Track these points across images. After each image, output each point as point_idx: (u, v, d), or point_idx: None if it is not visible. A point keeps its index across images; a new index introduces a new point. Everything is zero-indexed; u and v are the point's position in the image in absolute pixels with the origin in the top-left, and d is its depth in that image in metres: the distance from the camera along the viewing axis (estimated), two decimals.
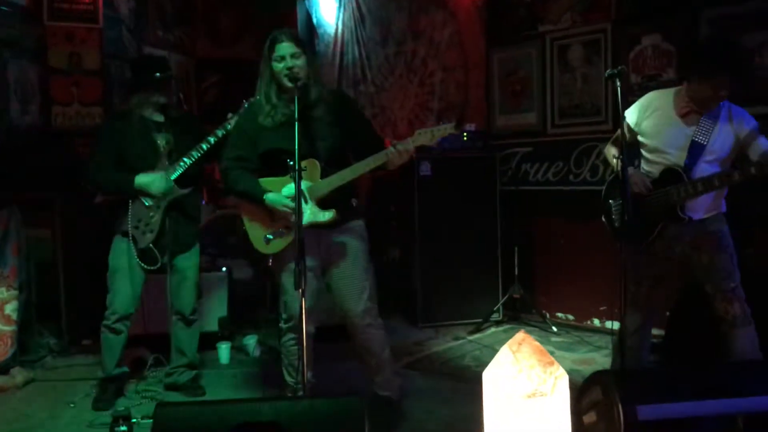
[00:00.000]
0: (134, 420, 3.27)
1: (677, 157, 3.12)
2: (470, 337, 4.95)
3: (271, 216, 3.05)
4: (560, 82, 5.20)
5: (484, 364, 4.20)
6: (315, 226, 2.98)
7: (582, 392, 2.54)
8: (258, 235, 3.14)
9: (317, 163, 2.98)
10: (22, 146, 5.06)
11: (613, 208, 3.37)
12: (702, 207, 3.12)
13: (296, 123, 2.71)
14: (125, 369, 3.88)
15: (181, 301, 3.82)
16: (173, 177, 3.58)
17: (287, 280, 3.00)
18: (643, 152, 3.30)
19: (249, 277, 5.76)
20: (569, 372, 2.09)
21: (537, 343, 2.08)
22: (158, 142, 3.65)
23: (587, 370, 3.96)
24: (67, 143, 5.33)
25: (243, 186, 3.11)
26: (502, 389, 2.05)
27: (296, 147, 2.67)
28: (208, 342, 4.44)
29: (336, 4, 6.76)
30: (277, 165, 3.01)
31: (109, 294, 3.68)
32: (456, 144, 5.25)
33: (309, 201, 2.98)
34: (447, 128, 2.86)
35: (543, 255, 5.36)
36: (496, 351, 4.41)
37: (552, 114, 5.27)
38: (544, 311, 5.20)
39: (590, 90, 5.02)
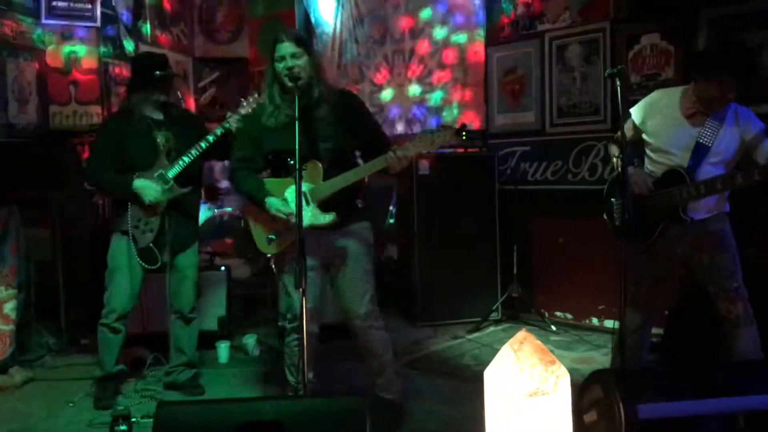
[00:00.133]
0: (134, 419, 3.27)
1: (681, 158, 3.10)
2: (469, 336, 4.95)
3: (273, 217, 3.05)
4: (559, 81, 5.20)
5: (484, 363, 4.21)
6: (316, 228, 2.98)
7: (582, 391, 2.54)
8: (261, 235, 3.16)
9: (319, 164, 2.97)
10: (21, 145, 5.06)
11: (615, 207, 3.36)
12: (704, 208, 3.11)
13: (296, 123, 2.72)
14: (123, 367, 3.87)
15: (180, 300, 3.82)
16: (171, 174, 3.57)
17: (289, 280, 3.01)
18: (647, 151, 3.28)
19: (248, 276, 5.77)
20: (568, 371, 2.09)
21: (539, 342, 2.09)
22: (158, 140, 3.64)
23: (586, 369, 3.96)
24: (65, 142, 5.33)
25: (246, 187, 3.13)
26: (504, 388, 2.05)
27: (296, 147, 2.67)
28: (207, 341, 4.44)
29: (334, 4, 6.77)
30: (281, 166, 3.02)
31: (107, 292, 3.67)
32: (454, 143, 5.26)
33: (310, 203, 2.98)
34: (447, 134, 2.83)
35: (541, 254, 5.36)
36: (495, 350, 4.43)
37: (551, 113, 5.28)
38: (542, 310, 5.20)
39: (589, 89, 5.02)
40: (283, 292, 3.27)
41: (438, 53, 6.00)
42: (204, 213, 5.85)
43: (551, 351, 4.25)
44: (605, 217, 3.43)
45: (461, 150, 5.35)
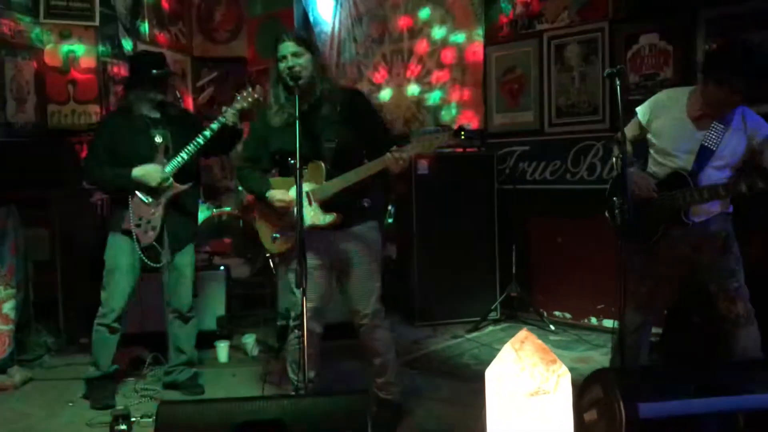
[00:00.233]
0: (133, 419, 3.26)
1: (685, 161, 3.08)
2: (468, 336, 4.96)
3: (278, 215, 3.05)
4: (557, 81, 5.21)
5: (483, 363, 4.24)
6: (318, 228, 2.99)
7: (583, 390, 2.54)
8: (266, 233, 3.18)
9: (322, 164, 2.98)
10: (19, 145, 5.05)
11: (617, 206, 3.34)
12: (706, 212, 3.09)
13: (297, 122, 2.72)
14: (117, 367, 3.87)
15: (178, 299, 3.81)
16: (170, 170, 3.56)
17: (293, 279, 3.01)
18: (651, 152, 3.26)
19: (247, 276, 5.77)
20: None
21: (540, 341, 2.09)
22: (155, 139, 3.64)
23: (585, 368, 3.96)
24: (63, 141, 5.32)
25: (250, 183, 3.19)
26: (505, 387, 2.05)
27: (297, 146, 2.67)
28: (206, 341, 4.44)
29: (333, 3, 6.77)
30: (286, 165, 3.03)
31: (105, 292, 3.66)
32: (453, 143, 5.26)
33: (313, 203, 2.99)
34: (444, 137, 2.81)
35: (540, 253, 5.37)
36: (494, 349, 4.48)
37: (549, 113, 5.28)
38: (541, 309, 5.20)
39: (587, 89, 5.03)
40: (287, 291, 3.28)
41: (437, 53, 6.01)
42: (203, 212, 5.85)
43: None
44: (607, 214, 3.41)
45: (460, 150, 5.36)
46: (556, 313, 5.28)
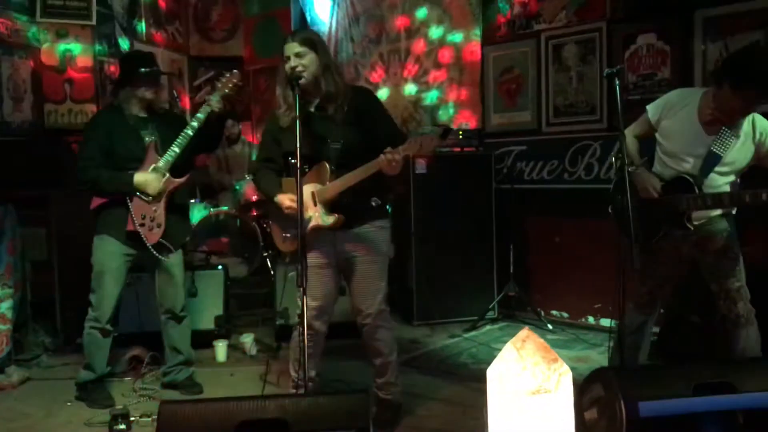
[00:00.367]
0: (132, 418, 3.26)
1: (692, 165, 3.06)
2: (466, 335, 4.97)
3: (287, 215, 3.06)
4: (555, 81, 5.22)
5: (481, 362, 4.25)
6: (322, 228, 3.01)
7: (583, 389, 2.55)
8: (278, 233, 3.22)
9: (327, 165, 2.98)
10: (16, 144, 5.04)
11: (621, 205, 3.32)
12: (708, 217, 3.10)
13: (297, 122, 2.73)
14: (111, 368, 3.87)
15: (171, 299, 3.81)
16: (164, 164, 3.53)
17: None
18: (659, 152, 3.22)
19: (244, 275, 5.77)
20: None
21: (541, 340, 2.10)
22: (145, 138, 3.62)
23: (583, 367, 3.98)
24: (60, 140, 5.31)
25: (263, 185, 3.23)
26: (507, 386, 2.06)
27: (297, 146, 2.68)
28: (204, 340, 4.44)
29: (330, 3, 6.76)
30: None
31: (95, 295, 3.63)
32: (451, 142, 5.27)
33: (317, 203, 2.99)
34: (432, 140, 2.75)
35: (538, 253, 5.38)
36: (492, 348, 4.50)
37: (547, 112, 5.30)
38: (539, 309, 5.21)
39: (585, 89, 5.04)
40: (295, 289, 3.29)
41: (434, 52, 6.01)
42: (200, 212, 5.84)
43: None
44: (610, 210, 3.40)
45: (458, 149, 5.36)
46: (554, 312, 5.29)
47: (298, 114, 2.74)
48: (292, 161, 2.68)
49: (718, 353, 3.25)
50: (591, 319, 5.06)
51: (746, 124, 3.01)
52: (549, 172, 5.28)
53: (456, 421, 3.34)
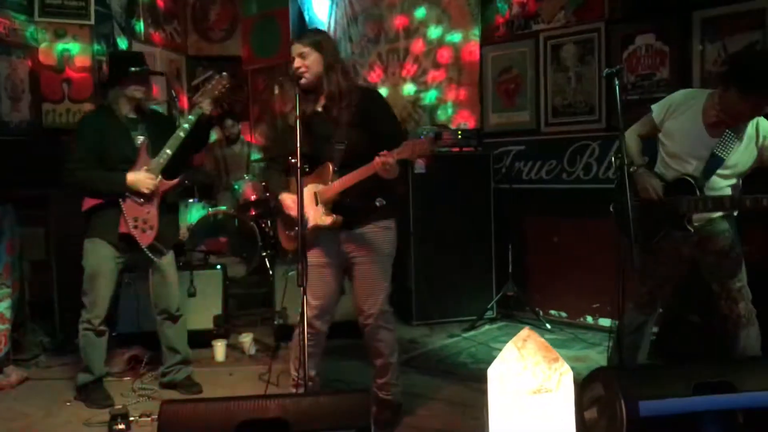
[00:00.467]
0: (132, 418, 3.26)
1: (695, 167, 3.05)
2: (465, 335, 4.97)
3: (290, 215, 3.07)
4: (554, 81, 5.23)
5: (480, 361, 4.25)
6: (322, 228, 3.01)
7: (583, 388, 2.56)
8: (284, 232, 3.23)
9: (330, 165, 2.98)
10: (14, 143, 5.03)
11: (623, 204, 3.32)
12: (709, 216, 3.10)
13: (297, 121, 2.72)
14: (108, 369, 3.87)
15: (166, 300, 3.80)
16: (156, 166, 3.52)
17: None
18: (662, 153, 3.22)
19: (242, 275, 5.77)
20: None
21: (542, 340, 2.10)
22: (136, 139, 3.61)
23: (582, 367, 3.98)
24: (58, 140, 5.30)
25: (270, 184, 3.33)
26: (508, 385, 2.06)
27: (297, 146, 2.68)
28: (203, 340, 4.44)
29: (328, 2, 6.76)
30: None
31: (88, 297, 3.62)
32: (449, 142, 5.28)
33: (318, 203, 3.00)
34: (424, 144, 2.73)
35: (536, 253, 5.39)
36: (491, 348, 4.50)
37: (545, 112, 5.30)
38: (537, 308, 5.22)
39: (584, 89, 5.05)
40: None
41: (433, 52, 6.01)
42: (198, 212, 5.84)
43: None
44: (611, 209, 3.39)
45: (456, 149, 5.36)
46: (552, 311, 5.30)
47: (298, 113, 2.74)
48: (293, 161, 2.68)
49: (718, 353, 3.25)
50: (589, 319, 5.07)
51: (750, 128, 3.00)
52: (547, 172, 5.28)
53: (456, 421, 3.34)
